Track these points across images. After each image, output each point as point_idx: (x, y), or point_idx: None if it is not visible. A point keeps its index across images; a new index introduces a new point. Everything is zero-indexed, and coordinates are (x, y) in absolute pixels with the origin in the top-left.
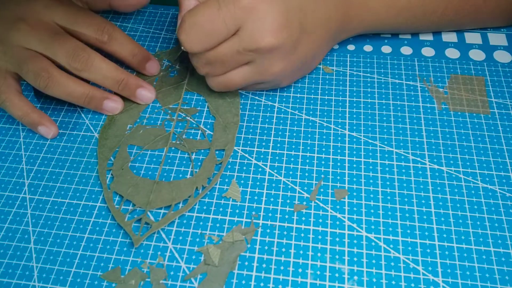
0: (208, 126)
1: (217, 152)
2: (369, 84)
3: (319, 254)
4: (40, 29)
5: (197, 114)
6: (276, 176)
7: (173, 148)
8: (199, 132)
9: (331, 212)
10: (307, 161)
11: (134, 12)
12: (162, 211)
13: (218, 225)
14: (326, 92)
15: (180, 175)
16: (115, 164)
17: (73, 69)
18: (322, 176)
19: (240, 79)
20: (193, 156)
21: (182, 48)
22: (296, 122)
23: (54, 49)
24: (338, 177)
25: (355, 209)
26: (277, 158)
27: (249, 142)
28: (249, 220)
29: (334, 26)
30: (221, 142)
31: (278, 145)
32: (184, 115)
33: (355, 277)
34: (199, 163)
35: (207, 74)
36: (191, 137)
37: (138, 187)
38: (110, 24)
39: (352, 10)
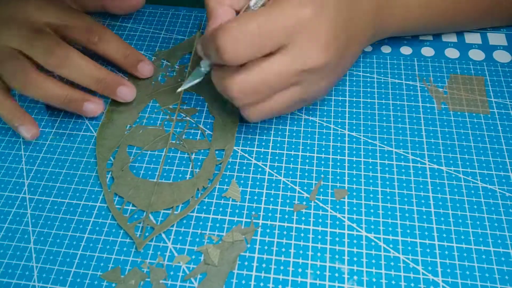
0: (208, 126)
1: (217, 152)
2: (369, 84)
3: (319, 254)
4: (25, 28)
5: (197, 114)
6: (276, 176)
7: (172, 148)
8: (199, 132)
9: (331, 212)
10: (307, 161)
11: (134, 12)
12: (163, 211)
13: (218, 225)
14: None
15: (180, 176)
16: (115, 165)
17: (49, 65)
18: (322, 176)
19: (286, 103)
20: (193, 156)
21: (203, 69)
22: (296, 122)
23: (32, 46)
24: (338, 177)
25: (355, 209)
26: (277, 158)
27: (249, 142)
28: (249, 220)
29: (370, 32)
30: (221, 142)
31: (278, 145)
32: (183, 115)
33: (355, 277)
34: (199, 163)
35: (249, 103)
36: (190, 137)
37: (139, 189)
38: (100, 25)
39: (385, 15)
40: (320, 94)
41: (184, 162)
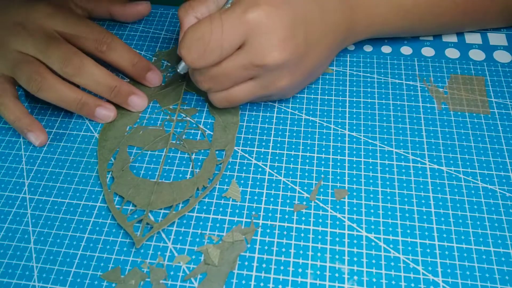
0: (208, 126)
1: (217, 152)
2: (369, 84)
3: (319, 254)
4: (38, 34)
5: (197, 114)
6: (276, 176)
7: (173, 148)
8: (199, 132)
9: (331, 212)
10: (307, 161)
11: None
12: (163, 211)
13: (218, 225)
14: (326, 92)
15: (180, 176)
16: (115, 165)
17: (65, 74)
18: (322, 176)
19: (244, 94)
20: (193, 157)
21: (179, 66)
22: (296, 122)
23: (48, 54)
24: (338, 177)
25: (355, 209)
26: (277, 158)
27: (249, 142)
28: (249, 220)
29: (341, 34)
30: (221, 142)
31: (278, 145)
32: (183, 116)
33: (355, 277)
34: (199, 164)
35: (210, 89)
36: (191, 137)
37: (138, 188)
38: (109, 33)
39: (358, 16)
40: (283, 92)
41: (184, 162)
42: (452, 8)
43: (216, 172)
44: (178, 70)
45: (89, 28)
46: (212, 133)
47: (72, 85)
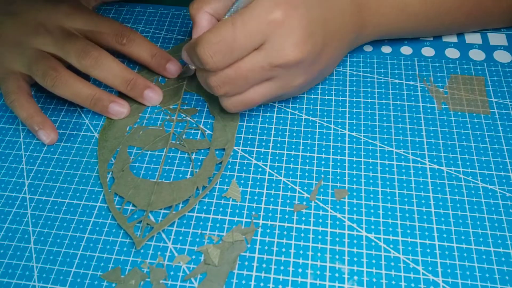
0: (208, 126)
1: (217, 151)
2: (369, 84)
3: (319, 254)
4: (57, 32)
5: (197, 114)
6: (276, 176)
7: (173, 148)
8: (199, 132)
9: (331, 212)
10: (307, 161)
11: (135, 11)
12: (163, 211)
13: (218, 225)
14: (326, 92)
15: (180, 175)
16: (115, 165)
17: (83, 66)
18: (322, 176)
19: (260, 96)
20: (193, 156)
21: (193, 67)
22: (296, 122)
23: (66, 49)
24: (338, 177)
25: (355, 209)
26: (277, 158)
27: (249, 142)
28: (249, 220)
29: (351, 34)
30: (221, 141)
31: (278, 145)
32: (183, 116)
33: (355, 277)
34: (199, 163)
35: (226, 93)
36: (191, 137)
37: (139, 188)
38: (127, 28)
39: (366, 17)
40: (297, 91)
41: (184, 162)
42: (456, 9)
43: (216, 171)
44: (184, 74)
45: (108, 24)
46: (212, 133)
47: (87, 81)
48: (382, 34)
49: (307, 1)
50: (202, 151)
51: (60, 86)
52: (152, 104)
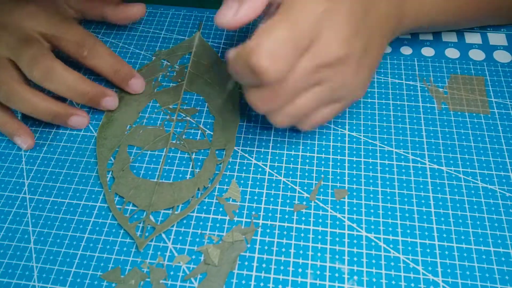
0: (208, 126)
1: (217, 152)
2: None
3: (319, 254)
4: (15, 35)
5: (197, 114)
6: (276, 176)
7: (173, 148)
8: (199, 132)
9: (331, 212)
10: (307, 161)
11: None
12: (163, 211)
13: (218, 225)
14: None
15: (181, 176)
16: (115, 165)
17: (34, 78)
18: (322, 176)
19: (309, 104)
20: (193, 156)
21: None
22: None
23: (18, 55)
24: (338, 177)
25: (355, 209)
26: (277, 158)
27: (249, 142)
28: (249, 220)
29: (393, 23)
30: (221, 141)
31: (278, 145)
32: (183, 115)
33: (355, 277)
34: (199, 163)
35: (272, 109)
36: (191, 137)
37: (139, 189)
38: (92, 38)
39: (408, 8)
40: (351, 93)
41: (184, 162)
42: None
43: (216, 172)
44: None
45: (71, 30)
46: (212, 133)
47: (44, 94)
48: (420, 25)
49: None
50: (202, 151)
51: (15, 102)
52: (110, 109)
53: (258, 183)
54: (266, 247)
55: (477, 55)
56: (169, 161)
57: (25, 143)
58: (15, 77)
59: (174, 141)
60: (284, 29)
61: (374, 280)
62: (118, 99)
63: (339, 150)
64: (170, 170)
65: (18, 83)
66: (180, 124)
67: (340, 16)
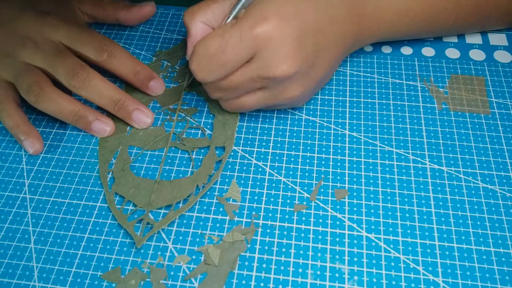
0: (208, 126)
1: (217, 150)
2: (369, 84)
3: (319, 254)
4: (45, 47)
5: (197, 114)
6: (276, 176)
7: (173, 148)
8: (199, 131)
9: (331, 212)
10: (307, 161)
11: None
12: (163, 211)
13: (218, 225)
14: (326, 92)
15: (181, 175)
16: (116, 165)
17: (72, 87)
18: (322, 176)
19: (254, 103)
20: (193, 156)
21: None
22: (296, 122)
23: (56, 67)
24: (338, 177)
25: (355, 209)
26: (277, 158)
27: (249, 142)
28: (249, 220)
29: (348, 40)
30: (221, 139)
31: (278, 145)
32: (183, 115)
33: (355, 277)
34: (199, 163)
35: (220, 98)
36: (191, 136)
37: (139, 188)
38: (111, 42)
39: (365, 23)
40: (292, 101)
41: (184, 162)
42: (456, 12)
43: (215, 170)
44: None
45: (91, 37)
46: (211, 132)
47: (71, 97)
48: (380, 39)
49: (300, 11)
50: (202, 150)
51: (43, 102)
52: (141, 127)
53: (258, 183)
54: (266, 247)
55: (477, 55)
56: (169, 160)
57: (32, 147)
58: (44, 79)
59: (174, 141)
60: (218, 42)
61: (374, 280)
62: None
63: (339, 150)
64: (171, 170)
65: (47, 84)
66: (180, 124)
67: (283, 34)
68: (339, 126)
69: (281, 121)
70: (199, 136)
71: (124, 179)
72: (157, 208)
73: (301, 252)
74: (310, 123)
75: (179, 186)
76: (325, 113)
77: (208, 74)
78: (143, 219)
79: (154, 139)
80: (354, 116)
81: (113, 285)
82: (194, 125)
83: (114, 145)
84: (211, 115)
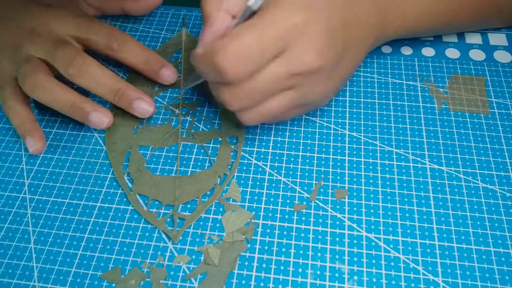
0: (211, 115)
1: (229, 139)
2: (369, 84)
3: (319, 254)
4: (48, 38)
5: (200, 105)
6: (276, 176)
7: (184, 143)
8: (207, 123)
9: (331, 212)
10: (307, 161)
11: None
12: (188, 206)
13: (218, 225)
14: None
15: (197, 169)
16: (131, 167)
17: (68, 75)
18: (322, 176)
19: (280, 107)
20: (209, 150)
21: (204, 77)
22: (296, 122)
23: (54, 56)
24: (338, 177)
25: (355, 209)
26: (277, 158)
27: (249, 142)
28: (249, 220)
29: (372, 36)
30: (231, 129)
31: (278, 145)
32: (187, 109)
33: (355, 277)
34: (214, 157)
35: (242, 108)
36: (200, 129)
37: (160, 185)
38: (120, 32)
39: (390, 19)
40: (319, 100)
41: (198, 155)
42: (475, 9)
43: (232, 160)
44: (191, 82)
45: (99, 28)
46: (220, 122)
47: (68, 87)
48: (402, 35)
49: (329, 4)
50: (213, 141)
51: (38, 92)
52: (143, 116)
53: (258, 183)
54: (266, 247)
55: (477, 55)
56: (184, 155)
57: (32, 146)
58: (40, 68)
59: (183, 136)
60: (251, 34)
61: (374, 280)
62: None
63: (339, 150)
64: (187, 165)
65: (44, 74)
66: (185, 118)
67: (316, 27)
68: (339, 126)
69: (281, 121)
70: (207, 127)
71: (142, 179)
72: (183, 203)
73: (301, 252)
74: (310, 123)
75: (201, 179)
76: (325, 113)
77: (242, 70)
78: (173, 214)
79: (163, 137)
80: (354, 116)
81: (113, 285)
82: (201, 117)
83: (123, 146)
84: (215, 106)
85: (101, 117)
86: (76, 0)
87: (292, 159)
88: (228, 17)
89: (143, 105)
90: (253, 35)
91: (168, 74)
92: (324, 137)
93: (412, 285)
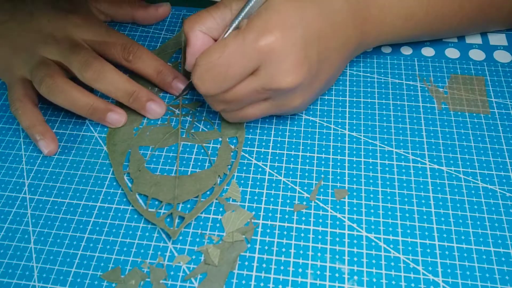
0: (211, 115)
1: (228, 140)
2: (369, 84)
3: (319, 254)
4: (64, 42)
5: (200, 106)
6: (276, 176)
7: (184, 143)
8: (207, 123)
9: (331, 212)
10: (307, 161)
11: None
12: (188, 205)
13: (218, 225)
14: (326, 92)
15: (197, 169)
16: (131, 167)
17: (85, 79)
18: (322, 176)
19: (258, 113)
20: (208, 150)
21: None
22: (296, 122)
23: (70, 59)
24: (338, 177)
25: (355, 209)
26: (277, 158)
27: (249, 142)
28: (249, 220)
29: (352, 45)
30: (231, 130)
31: (278, 145)
32: (187, 110)
33: (355, 277)
34: (214, 156)
35: (223, 110)
36: (200, 129)
37: (160, 184)
38: (134, 43)
39: (369, 28)
40: (297, 109)
41: (198, 154)
42: (459, 16)
43: (232, 160)
44: (188, 89)
45: (115, 38)
46: (220, 122)
47: (85, 90)
48: (384, 42)
49: (304, 19)
50: (213, 141)
51: (56, 94)
52: (154, 117)
53: (258, 183)
54: (266, 247)
55: (477, 55)
56: (185, 155)
57: (47, 148)
58: (57, 72)
59: (183, 136)
60: (221, 54)
61: (374, 280)
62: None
63: (339, 150)
64: (187, 165)
65: (61, 77)
66: (185, 118)
67: (290, 44)
68: (339, 126)
69: (281, 121)
70: (206, 127)
71: (142, 178)
72: (183, 201)
73: (301, 252)
74: (310, 123)
75: (201, 178)
76: (325, 113)
77: (212, 87)
78: (173, 212)
79: (163, 137)
80: (354, 116)
81: (113, 285)
82: (201, 117)
83: (123, 147)
84: None
85: (118, 118)
86: (88, 6)
87: (292, 159)
88: (206, 37)
89: (155, 107)
90: (223, 55)
91: (180, 86)
92: (324, 137)
93: (412, 285)
